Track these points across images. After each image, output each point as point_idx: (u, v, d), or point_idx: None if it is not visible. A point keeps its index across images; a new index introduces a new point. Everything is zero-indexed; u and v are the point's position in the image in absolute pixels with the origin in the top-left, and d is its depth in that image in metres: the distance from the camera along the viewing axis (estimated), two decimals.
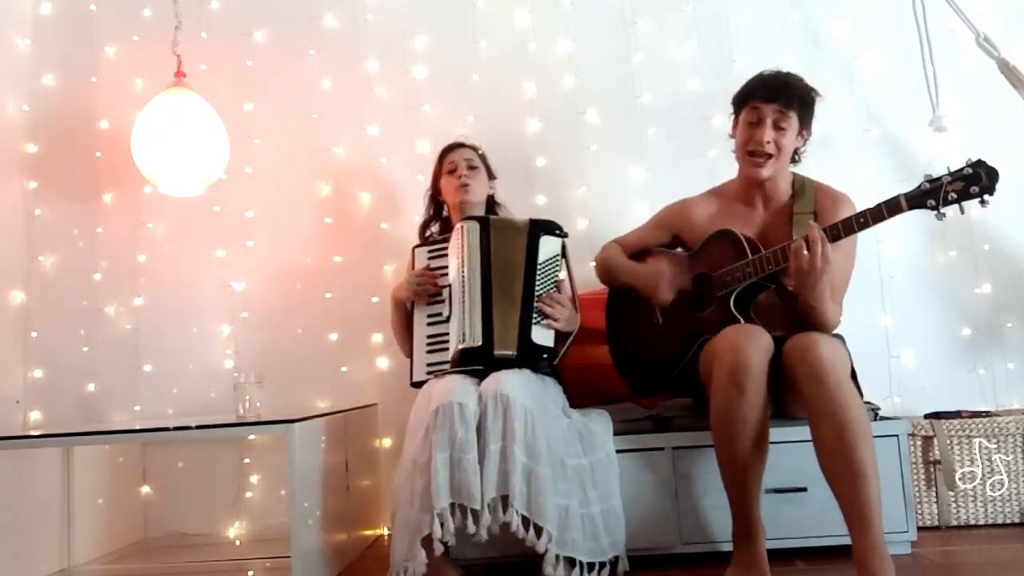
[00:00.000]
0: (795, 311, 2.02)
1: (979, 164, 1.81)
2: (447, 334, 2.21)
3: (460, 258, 2.20)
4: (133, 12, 3.13)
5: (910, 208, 1.87)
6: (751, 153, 2.16)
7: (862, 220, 1.91)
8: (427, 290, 2.28)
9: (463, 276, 2.18)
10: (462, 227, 2.23)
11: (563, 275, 2.29)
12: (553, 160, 3.01)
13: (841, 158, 2.86)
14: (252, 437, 2.92)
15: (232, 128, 2.92)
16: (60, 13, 3.15)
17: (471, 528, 1.84)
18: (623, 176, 3.00)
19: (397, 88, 3.09)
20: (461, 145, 2.53)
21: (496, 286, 2.17)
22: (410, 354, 2.33)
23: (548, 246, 2.24)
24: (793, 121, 2.14)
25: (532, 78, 3.06)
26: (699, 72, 2.99)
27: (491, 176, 2.55)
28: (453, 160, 2.48)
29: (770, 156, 2.14)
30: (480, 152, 2.55)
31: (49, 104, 3.10)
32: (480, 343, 2.12)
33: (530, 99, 3.05)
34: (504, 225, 2.26)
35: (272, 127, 3.08)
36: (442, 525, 1.83)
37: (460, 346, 2.13)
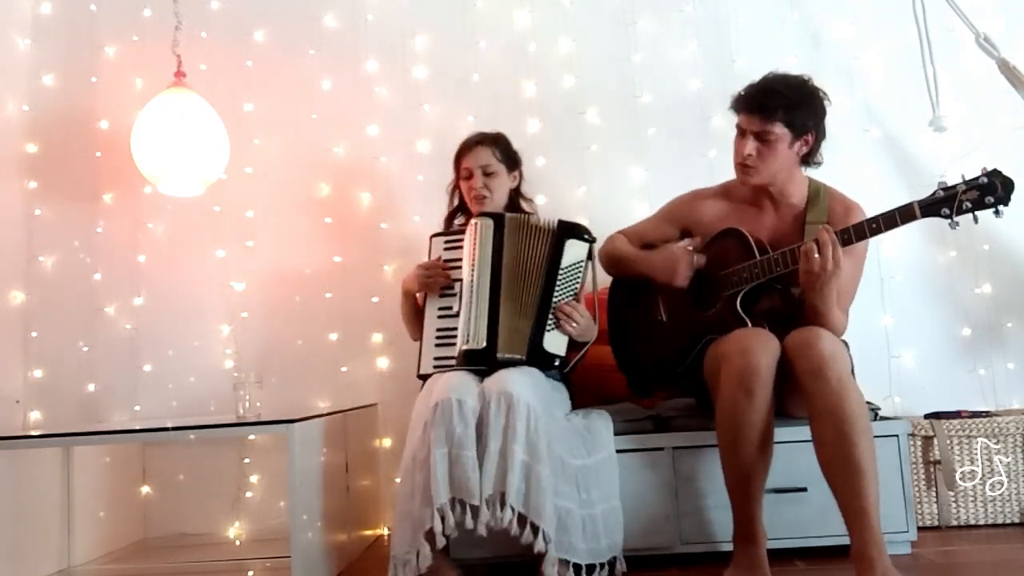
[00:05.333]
0: (802, 316, 2.01)
1: (995, 174, 1.79)
2: (456, 329, 2.18)
3: (471, 256, 2.17)
4: (133, 12, 3.13)
5: (924, 216, 1.84)
6: (737, 164, 2.14)
7: (874, 226, 1.89)
8: (437, 283, 2.23)
9: (472, 275, 2.15)
10: (476, 224, 2.20)
11: (585, 281, 2.23)
12: (553, 160, 3.01)
13: (841, 158, 2.83)
14: (252, 437, 2.92)
15: (232, 128, 2.92)
16: (60, 13, 3.15)
17: (469, 523, 1.84)
18: (623, 176, 3.00)
19: (397, 88, 3.09)
20: (478, 144, 2.36)
21: (506, 287, 2.14)
22: (417, 337, 2.31)
23: (573, 250, 2.18)
24: (779, 131, 2.05)
25: (532, 78, 3.06)
26: (699, 72, 2.99)
27: (514, 167, 2.40)
28: (468, 167, 2.34)
29: (749, 167, 2.10)
30: (501, 145, 2.38)
31: (49, 104, 3.10)
32: (484, 345, 2.10)
33: (530, 99, 3.05)
34: (523, 224, 2.19)
35: (272, 127, 3.08)
36: (443, 520, 1.83)
37: (464, 347, 2.12)
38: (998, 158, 1.86)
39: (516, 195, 2.43)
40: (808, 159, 2.17)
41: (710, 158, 2.90)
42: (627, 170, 3.00)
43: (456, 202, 2.45)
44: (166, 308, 3.03)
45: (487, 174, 2.33)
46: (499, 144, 2.39)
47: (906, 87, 2.86)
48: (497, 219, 2.20)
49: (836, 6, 2.99)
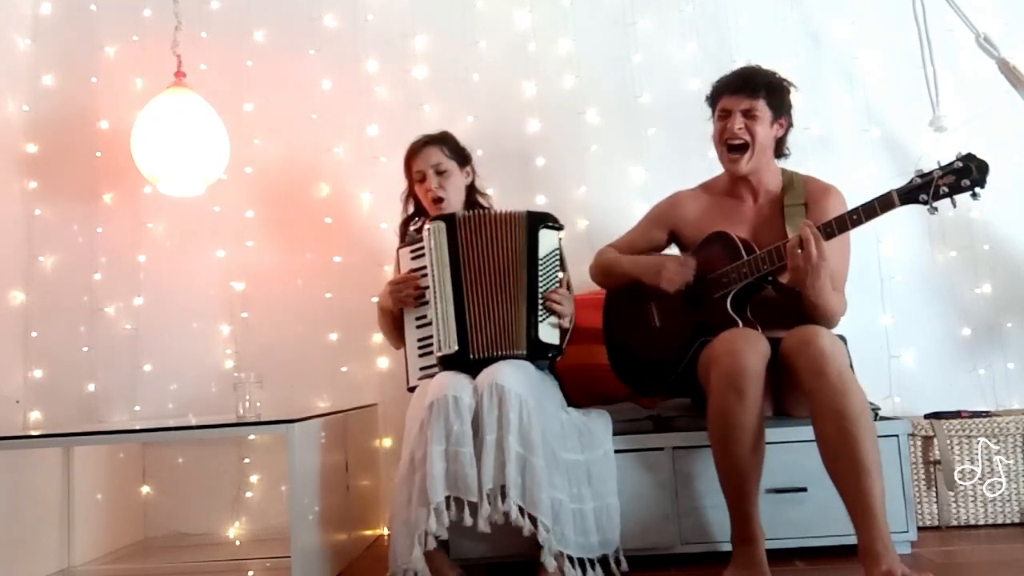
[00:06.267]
0: (799, 308, 2.02)
1: (969, 157, 1.82)
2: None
3: (431, 262, 2.15)
4: (133, 12, 3.13)
5: (902, 203, 1.88)
6: (727, 146, 2.20)
7: (855, 217, 1.92)
8: (409, 295, 2.21)
9: (435, 281, 2.14)
10: (429, 229, 2.17)
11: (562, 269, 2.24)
12: (553, 160, 3.01)
13: (841, 158, 2.87)
14: (252, 437, 2.92)
15: (232, 128, 2.92)
16: (60, 13, 3.15)
17: (468, 521, 1.84)
18: (623, 176, 3.00)
19: (397, 88, 3.09)
20: (426, 144, 2.37)
21: (473, 287, 2.12)
22: (399, 347, 2.31)
23: (547, 240, 2.18)
24: (763, 109, 2.17)
25: (532, 78, 3.06)
26: (699, 72, 2.98)
27: (465, 163, 2.40)
28: (420, 170, 2.34)
29: (745, 146, 2.17)
30: (449, 143, 2.38)
31: (49, 104, 3.10)
32: (456, 349, 2.09)
33: (530, 99, 3.05)
34: (477, 219, 2.17)
35: (272, 127, 3.08)
36: (437, 519, 1.82)
37: (438, 353, 2.12)
38: (999, 160, 1.86)
39: (472, 191, 2.43)
40: (779, 147, 2.26)
41: (710, 158, 2.85)
42: (627, 170, 3.00)
43: (412, 209, 2.45)
44: (166, 308, 3.03)
45: (440, 173, 2.34)
46: (447, 142, 2.39)
47: (906, 87, 2.87)
48: (448, 220, 2.18)
49: (836, 6, 2.99)
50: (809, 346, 1.85)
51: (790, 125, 2.25)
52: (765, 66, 2.24)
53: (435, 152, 2.35)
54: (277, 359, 2.95)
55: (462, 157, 2.41)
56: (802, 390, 1.88)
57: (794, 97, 2.25)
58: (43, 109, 3.09)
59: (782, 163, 2.31)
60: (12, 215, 2.98)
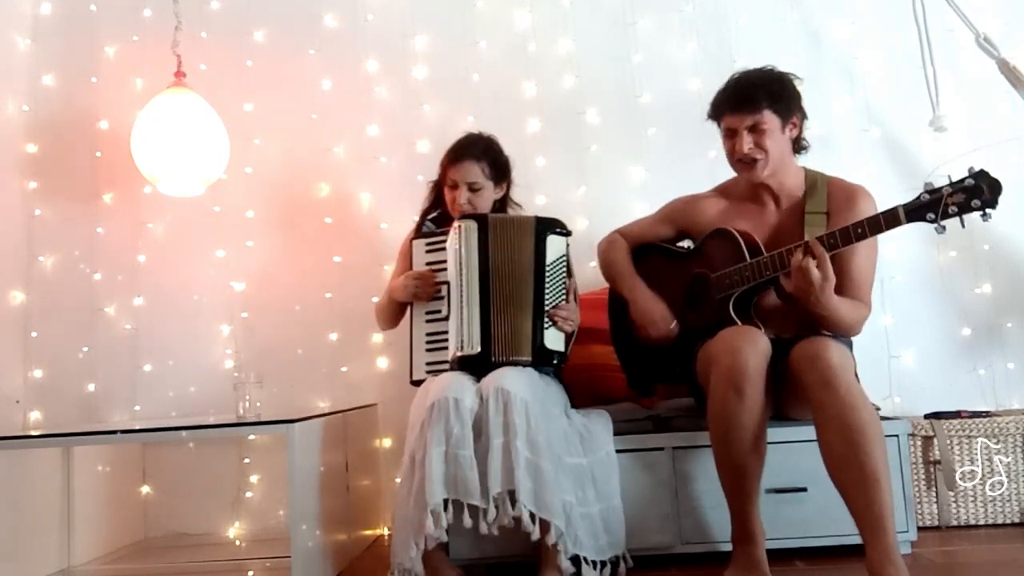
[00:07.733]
0: (807, 312, 2.01)
1: (981, 175, 1.74)
2: (447, 332, 2.19)
3: (458, 260, 2.16)
4: (133, 12, 3.13)
5: (908, 221, 1.84)
6: (739, 161, 2.12)
7: (859, 231, 1.88)
8: (427, 291, 2.22)
9: (461, 280, 2.14)
10: (460, 227, 2.17)
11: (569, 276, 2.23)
12: (553, 160, 3.01)
13: (841, 158, 2.86)
14: (252, 437, 2.92)
15: (232, 128, 2.92)
16: (60, 13, 3.15)
17: (467, 523, 1.84)
18: (623, 176, 3.00)
19: (397, 88, 3.09)
20: (467, 159, 2.28)
21: (496, 290, 2.13)
22: (388, 328, 2.34)
23: (555, 246, 2.18)
24: (770, 118, 2.06)
25: (532, 78, 3.06)
26: (699, 72, 2.99)
27: (502, 179, 2.34)
28: (454, 179, 2.28)
29: (756, 160, 2.09)
30: (491, 159, 2.31)
31: (49, 104, 3.10)
32: (479, 351, 2.10)
33: (530, 99, 3.05)
34: (505, 224, 2.19)
35: (272, 127, 3.08)
36: (435, 521, 1.82)
37: (458, 353, 2.12)
38: (999, 159, 1.85)
39: (503, 205, 2.39)
40: (797, 144, 2.17)
41: (710, 158, 2.89)
42: (627, 170, 3.00)
43: (434, 199, 2.40)
44: (166, 308, 3.03)
45: (473, 190, 2.28)
46: (488, 157, 2.31)
47: (906, 87, 2.87)
48: (480, 221, 2.18)
49: (836, 6, 2.99)
50: (817, 360, 1.82)
51: (804, 118, 2.14)
52: (764, 65, 2.18)
53: (474, 170, 2.28)
54: (277, 359, 2.95)
55: (500, 174, 2.34)
56: (810, 402, 1.86)
57: (799, 87, 2.17)
58: (43, 109, 3.09)
59: (805, 161, 2.22)
60: (12, 215, 2.97)
